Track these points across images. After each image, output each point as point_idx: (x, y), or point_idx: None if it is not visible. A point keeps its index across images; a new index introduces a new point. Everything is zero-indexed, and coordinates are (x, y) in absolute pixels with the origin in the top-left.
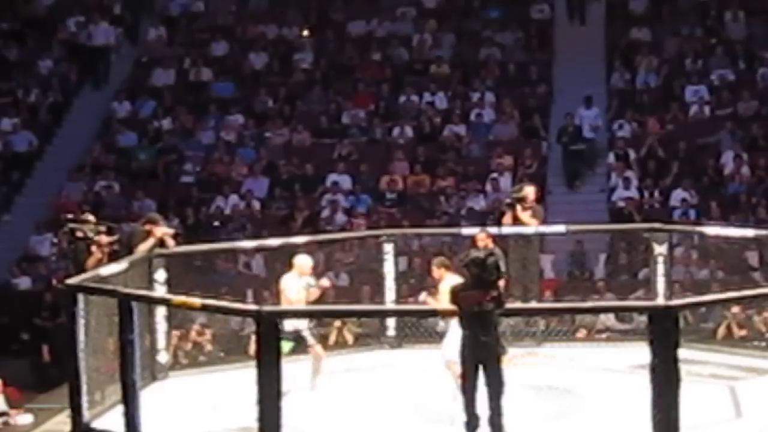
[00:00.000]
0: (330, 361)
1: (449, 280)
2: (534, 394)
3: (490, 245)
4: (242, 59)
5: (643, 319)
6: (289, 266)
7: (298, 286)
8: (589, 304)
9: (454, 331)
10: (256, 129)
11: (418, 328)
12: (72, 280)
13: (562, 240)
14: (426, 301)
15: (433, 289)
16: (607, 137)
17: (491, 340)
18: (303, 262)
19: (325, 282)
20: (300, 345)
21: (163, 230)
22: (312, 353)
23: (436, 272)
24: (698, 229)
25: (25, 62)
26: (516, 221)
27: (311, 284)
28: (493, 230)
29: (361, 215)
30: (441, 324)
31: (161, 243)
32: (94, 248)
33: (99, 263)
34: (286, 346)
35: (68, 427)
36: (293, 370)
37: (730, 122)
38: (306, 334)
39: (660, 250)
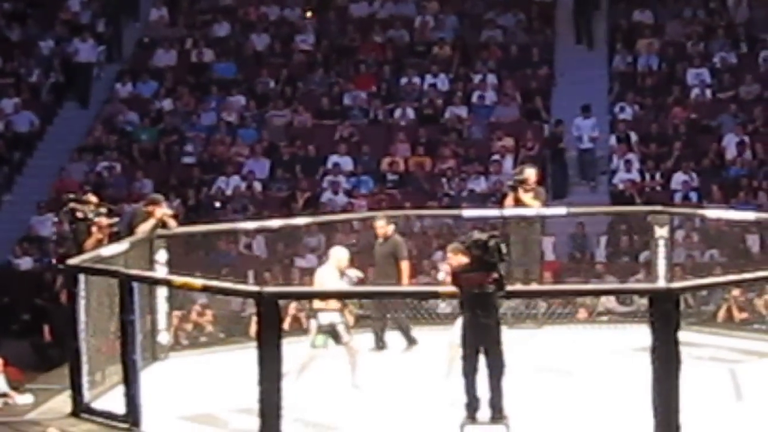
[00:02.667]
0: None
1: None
2: (535, 375)
3: (389, 233)
4: (244, 40)
5: (643, 302)
6: (288, 247)
7: (336, 279)
8: (590, 286)
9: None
10: (257, 110)
11: (419, 309)
12: (73, 261)
13: (563, 222)
14: (446, 280)
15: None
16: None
17: (492, 323)
18: (341, 255)
19: (358, 274)
20: (335, 339)
21: (163, 211)
22: (347, 348)
23: (453, 259)
24: (699, 212)
25: (27, 42)
26: (518, 203)
27: (352, 278)
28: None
29: (363, 197)
30: (442, 305)
31: (162, 224)
32: (94, 229)
33: (99, 244)
34: (320, 339)
35: (69, 407)
36: (294, 351)
37: (731, 105)
38: (340, 328)
39: (661, 232)
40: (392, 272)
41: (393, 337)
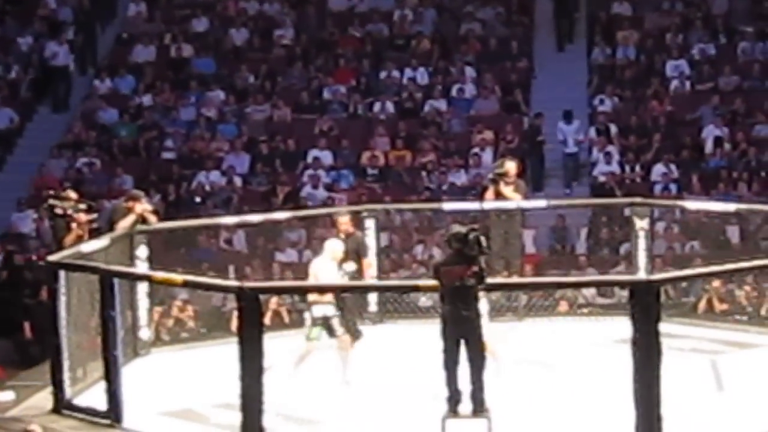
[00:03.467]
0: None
1: None
2: (516, 368)
3: (351, 229)
4: (223, 35)
5: (624, 294)
6: (269, 242)
7: (331, 270)
8: (570, 278)
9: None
10: (236, 105)
11: (399, 303)
12: (53, 257)
13: (543, 215)
14: None
15: None
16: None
17: (473, 315)
18: (336, 246)
19: (354, 267)
20: (329, 332)
21: (143, 207)
22: (339, 342)
23: None
24: (679, 203)
25: (5, 39)
26: (499, 196)
27: (349, 271)
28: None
29: (343, 191)
30: (423, 299)
31: (142, 219)
32: (73, 225)
33: (78, 240)
34: (314, 332)
35: (50, 403)
36: (275, 346)
37: (711, 97)
38: (334, 322)
39: (641, 224)
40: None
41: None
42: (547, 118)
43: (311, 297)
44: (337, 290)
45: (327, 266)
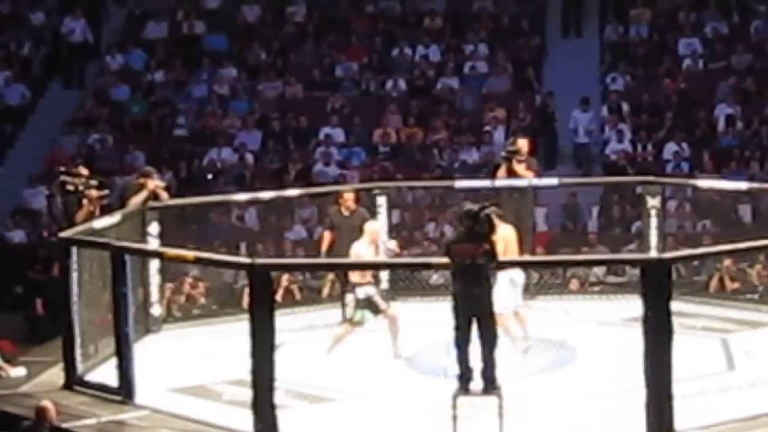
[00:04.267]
0: (323, 314)
1: (501, 230)
2: (528, 346)
3: (352, 206)
4: (235, 12)
5: (636, 272)
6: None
7: (371, 252)
8: (581, 257)
9: (502, 283)
10: (248, 82)
11: (411, 281)
12: (65, 234)
13: (555, 193)
14: None
15: None
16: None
17: (484, 294)
18: (375, 228)
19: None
20: (374, 311)
21: (155, 183)
22: (387, 317)
23: None
24: (691, 182)
25: (18, 15)
26: (511, 174)
27: (390, 247)
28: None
29: (354, 168)
30: (434, 277)
31: (154, 196)
32: (85, 202)
33: (90, 217)
34: (359, 314)
35: (62, 379)
36: (287, 322)
37: (723, 75)
38: (377, 299)
39: (653, 203)
40: None
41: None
42: (558, 95)
43: (354, 279)
44: (347, 268)
45: (365, 249)
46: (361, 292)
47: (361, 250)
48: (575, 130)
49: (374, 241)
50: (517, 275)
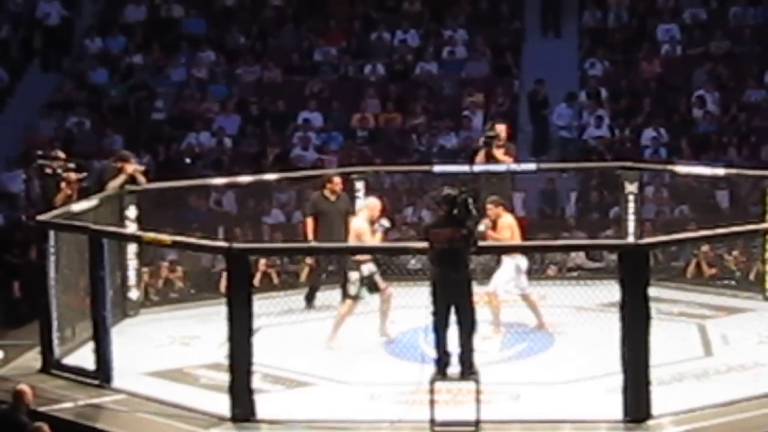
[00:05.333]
0: (301, 299)
1: (506, 218)
2: (505, 331)
3: (338, 190)
4: None
5: (613, 258)
6: (258, 203)
7: (370, 229)
8: (559, 242)
9: (506, 266)
10: (227, 66)
11: (389, 266)
12: (42, 217)
13: (533, 178)
14: (487, 232)
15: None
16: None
17: (462, 278)
18: (374, 204)
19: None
20: (373, 288)
21: (133, 167)
22: (383, 296)
23: (492, 211)
24: (669, 167)
25: None
26: (489, 159)
27: (386, 226)
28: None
29: (333, 153)
30: (412, 262)
31: (132, 180)
32: (63, 185)
33: (68, 200)
34: (363, 290)
35: (39, 363)
36: (264, 306)
37: (702, 61)
38: (377, 277)
39: (630, 188)
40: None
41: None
42: (536, 80)
43: (359, 257)
44: (323, 252)
45: (365, 225)
46: (366, 269)
47: (361, 225)
48: (562, 126)
49: (373, 218)
50: (522, 261)
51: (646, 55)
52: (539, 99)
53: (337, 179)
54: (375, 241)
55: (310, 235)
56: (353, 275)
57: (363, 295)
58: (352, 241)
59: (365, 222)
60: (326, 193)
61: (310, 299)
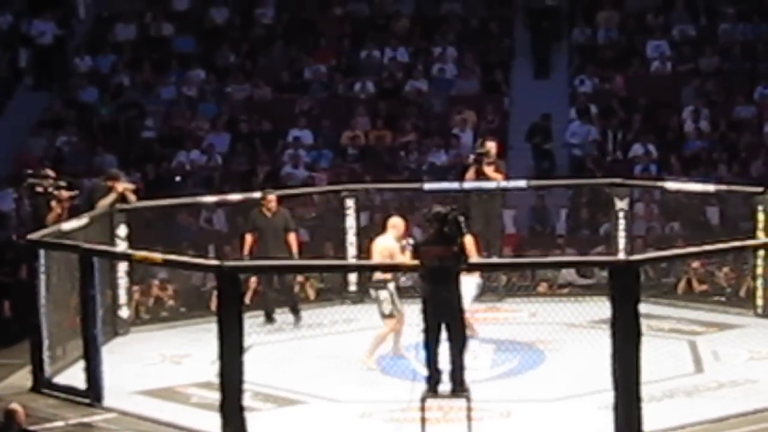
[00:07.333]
0: (291, 316)
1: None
2: (496, 349)
3: (274, 207)
4: (204, 14)
5: (604, 274)
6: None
7: (397, 247)
8: (550, 259)
9: (467, 283)
10: (217, 84)
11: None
12: (33, 236)
13: (523, 195)
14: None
15: None
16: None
17: (453, 296)
18: (399, 223)
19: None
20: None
21: (124, 185)
22: (398, 317)
23: None
24: (659, 184)
25: None
26: (480, 176)
27: (412, 243)
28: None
29: (323, 170)
30: (402, 279)
31: (122, 198)
32: (53, 203)
33: (59, 218)
34: (399, 305)
35: (30, 382)
36: (255, 325)
37: (691, 78)
38: (395, 298)
39: (621, 205)
40: (285, 245)
41: (357, 310)
42: (526, 99)
43: (386, 275)
44: (315, 270)
45: (393, 243)
46: (392, 287)
47: (391, 245)
48: (572, 144)
49: (400, 236)
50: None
51: (636, 72)
52: (543, 133)
53: (272, 197)
54: (405, 258)
55: (246, 251)
56: (382, 294)
57: (399, 309)
58: (383, 261)
59: (394, 241)
60: (263, 210)
61: (270, 318)
